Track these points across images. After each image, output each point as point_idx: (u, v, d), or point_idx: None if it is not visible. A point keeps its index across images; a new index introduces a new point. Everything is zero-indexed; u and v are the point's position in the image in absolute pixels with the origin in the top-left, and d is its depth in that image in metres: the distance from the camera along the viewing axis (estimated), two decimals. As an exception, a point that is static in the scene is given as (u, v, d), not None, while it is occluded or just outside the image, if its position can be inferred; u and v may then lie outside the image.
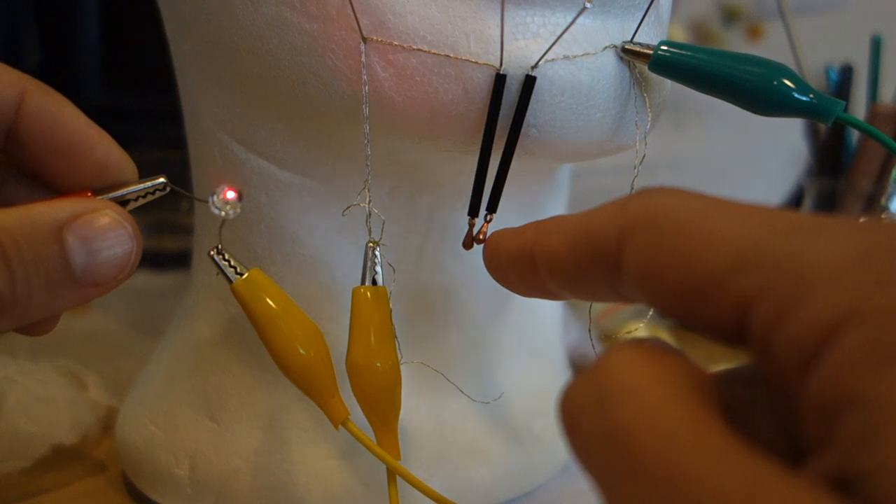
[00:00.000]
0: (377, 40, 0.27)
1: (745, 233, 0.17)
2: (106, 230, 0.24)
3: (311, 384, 0.28)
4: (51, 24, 0.69)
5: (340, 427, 0.29)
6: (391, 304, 0.29)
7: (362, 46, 0.28)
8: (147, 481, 0.35)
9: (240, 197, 0.27)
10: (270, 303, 0.28)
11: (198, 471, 0.34)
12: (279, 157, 0.32)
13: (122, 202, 0.26)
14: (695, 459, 0.15)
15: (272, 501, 0.33)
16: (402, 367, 0.29)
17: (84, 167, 0.26)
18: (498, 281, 0.24)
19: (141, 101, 0.69)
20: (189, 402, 0.35)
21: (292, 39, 0.28)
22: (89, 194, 0.26)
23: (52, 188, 0.27)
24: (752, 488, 0.14)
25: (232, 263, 0.28)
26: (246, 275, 0.28)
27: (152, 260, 0.64)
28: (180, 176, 0.37)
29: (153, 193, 0.27)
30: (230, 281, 0.28)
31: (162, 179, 0.27)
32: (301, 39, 0.28)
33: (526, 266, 0.22)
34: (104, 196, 0.26)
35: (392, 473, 0.29)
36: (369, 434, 0.29)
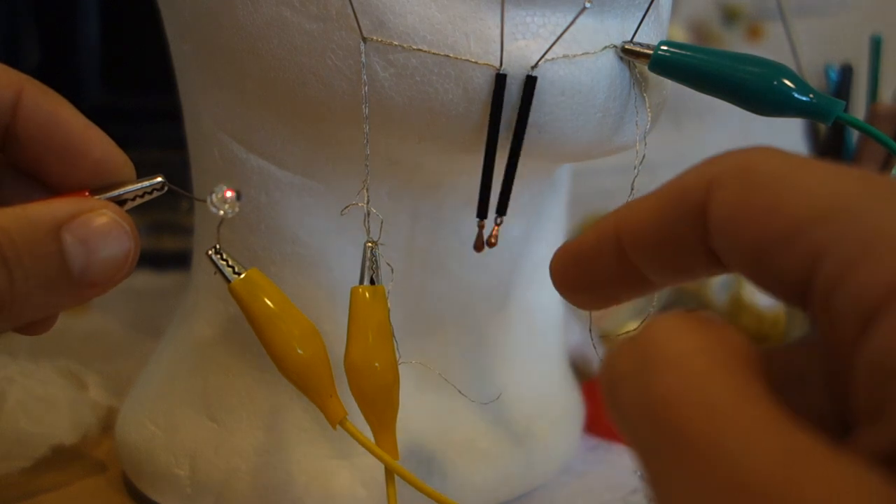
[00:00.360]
0: (377, 40, 0.27)
1: (829, 189, 0.16)
2: (104, 230, 0.24)
3: (308, 384, 0.28)
4: (51, 24, 0.69)
5: (340, 427, 0.29)
6: (390, 304, 0.29)
7: (362, 46, 0.28)
8: (147, 481, 0.35)
9: (238, 196, 0.27)
10: (268, 302, 0.28)
11: (198, 471, 0.34)
12: (279, 157, 0.32)
13: (120, 202, 0.26)
14: (736, 432, 0.14)
15: (272, 501, 0.33)
16: (401, 368, 0.29)
17: (82, 167, 0.26)
18: (570, 290, 0.22)
19: (141, 101, 0.69)
20: (189, 402, 0.35)
21: (292, 39, 0.28)
22: (87, 194, 0.26)
23: (50, 188, 0.27)
24: (794, 463, 0.14)
25: (230, 263, 0.28)
26: (244, 274, 0.28)
27: (152, 260, 0.64)
28: (180, 176, 0.37)
29: (151, 193, 0.27)
30: (228, 281, 0.28)
31: (159, 179, 0.27)
32: (301, 39, 0.28)
33: (610, 250, 0.21)
34: (102, 196, 0.26)
35: (390, 473, 0.29)
36: (367, 434, 0.29)
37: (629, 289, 0.21)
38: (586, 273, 0.22)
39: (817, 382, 0.18)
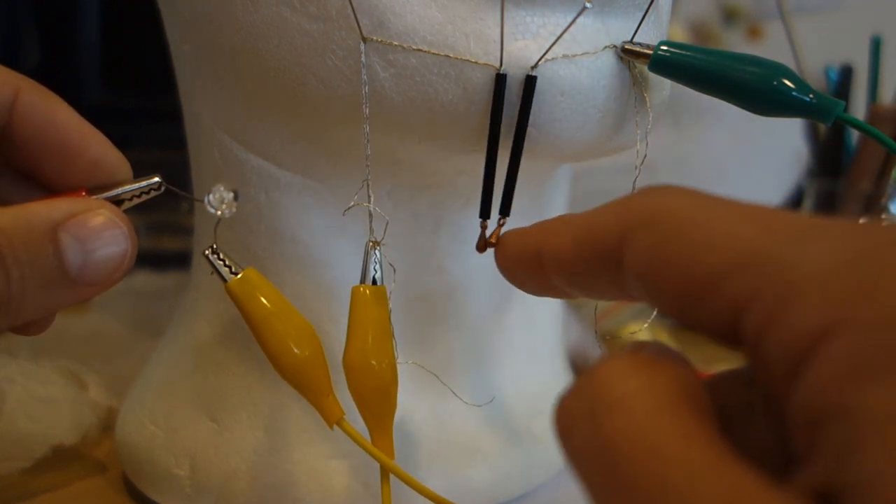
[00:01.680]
0: (377, 40, 0.27)
1: (743, 235, 0.17)
2: (101, 230, 0.24)
3: (305, 384, 0.28)
4: (51, 24, 0.69)
5: (337, 427, 0.29)
6: (391, 305, 0.29)
7: (362, 46, 0.28)
8: (147, 481, 0.35)
9: (236, 197, 0.27)
10: (265, 302, 0.28)
11: (198, 471, 0.34)
12: (279, 157, 0.32)
13: (117, 201, 0.26)
14: (680, 472, 0.15)
15: (272, 501, 0.33)
16: (400, 368, 0.29)
17: (78, 166, 0.26)
18: (510, 281, 0.25)
19: (141, 101, 0.69)
20: (189, 402, 0.35)
21: (292, 39, 0.28)
22: (84, 194, 0.26)
23: (47, 188, 0.27)
24: (737, 502, 0.14)
25: (227, 263, 0.28)
26: (240, 274, 0.28)
27: (152, 260, 0.64)
28: (180, 176, 0.37)
29: (148, 193, 0.27)
30: (224, 280, 0.28)
31: (157, 179, 0.27)
32: (301, 39, 0.28)
33: (534, 265, 0.22)
34: (99, 195, 0.26)
35: (385, 472, 0.29)
36: (365, 434, 0.29)
37: (557, 294, 0.22)
38: (520, 273, 0.23)
39: (763, 410, 0.18)
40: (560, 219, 0.21)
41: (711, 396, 0.17)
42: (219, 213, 0.27)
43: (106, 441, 0.42)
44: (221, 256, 0.28)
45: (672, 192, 0.18)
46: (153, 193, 0.27)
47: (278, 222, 0.33)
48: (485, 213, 0.29)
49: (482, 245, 0.29)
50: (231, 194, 0.27)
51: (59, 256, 0.23)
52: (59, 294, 0.24)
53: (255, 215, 0.33)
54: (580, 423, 0.17)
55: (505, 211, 0.29)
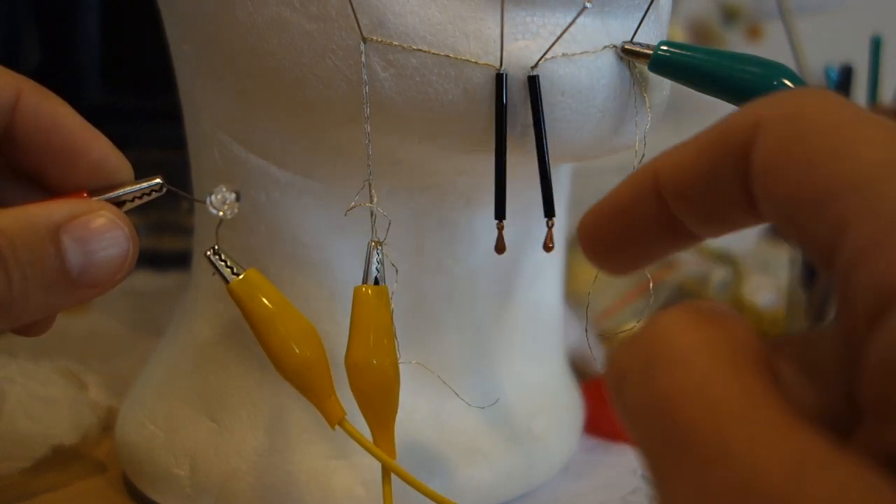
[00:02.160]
0: (377, 40, 0.27)
1: (875, 154, 0.15)
2: (102, 231, 0.24)
3: (307, 384, 0.28)
4: (51, 24, 0.69)
5: (339, 427, 0.29)
6: (392, 304, 0.29)
7: (362, 46, 0.28)
8: (147, 481, 0.35)
9: (238, 198, 0.27)
10: (267, 303, 0.28)
11: (198, 471, 0.34)
12: (279, 157, 0.32)
13: (119, 203, 0.26)
14: (740, 432, 0.14)
15: (272, 501, 0.33)
16: (401, 368, 0.29)
17: (80, 168, 0.26)
18: (602, 258, 0.21)
19: (141, 101, 0.69)
20: (189, 402, 0.35)
21: (292, 39, 0.28)
22: (85, 195, 0.26)
23: (49, 189, 0.27)
24: (800, 466, 0.13)
25: (228, 263, 0.28)
26: (242, 275, 0.28)
27: (152, 260, 0.64)
28: (180, 176, 0.37)
29: (149, 194, 0.27)
30: (226, 281, 0.28)
31: (158, 180, 0.27)
32: (301, 39, 0.28)
33: (647, 201, 0.19)
34: (100, 197, 0.26)
35: (387, 472, 0.29)
36: (366, 434, 0.29)
37: (668, 243, 0.20)
38: (621, 230, 0.20)
39: (832, 372, 0.17)
40: (670, 148, 0.19)
41: (771, 354, 0.16)
42: (221, 214, 0.27)
43: (106, 441, 0.42)
44: (223, 257, 0.28)
45: (814, 93, 0.17)
46: (155, 195, 0.27)
47: (278, 222, 0.33)
48: (500, 214, 0.29)
49: (501, 247, 0.29)
50: (233, 195, 0.27)
51: (60, 258, 0.23)
52: (61, 295, 0.24)
53: (256, 215, 0.33)
54: (635, 377, 0.16)
55: (550, 212, 0.29)
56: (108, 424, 0.42)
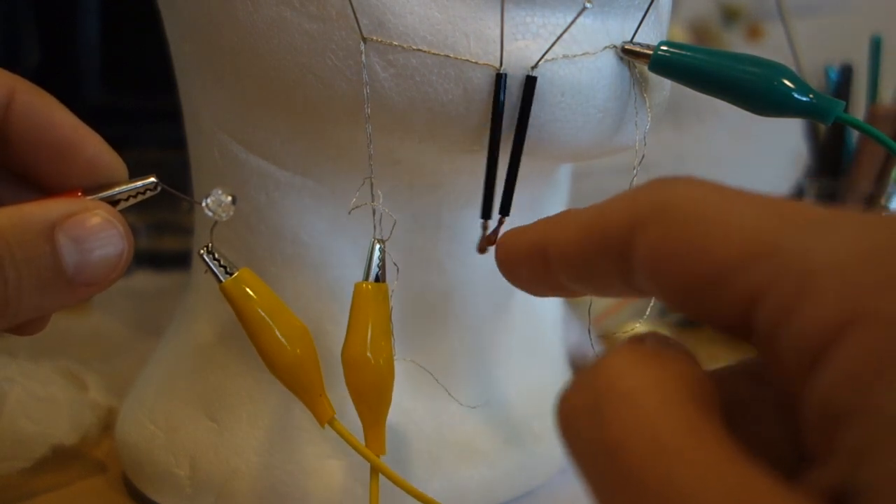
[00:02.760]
0: (377, 40, 0.27)
1: (757, 225, 0.16)
2: (97, 230, 0.24)
3: (298, 383, 0.28)
4: (51, 24, 0.69)
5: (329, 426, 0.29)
6: (391, 304, 0.29)
7: (362, 46, 0.28)
8: (147, 481, 0.35)
9: (234, 200, 0.27)
10: (259, 302, 0.28)
11: (198, 471, 0.34)
12: (279, 157, 0.32)
13: (113, 202, 0.26)
14: (688, 471, 0.14)
15: (272, 501, 0.33)
16: (402, 368, 0.29)
17: (74, 167, 0.26)
18: (511, 281, 0.24)
19: (141, 101, 0.69)
20: (189, 402, 0.35)
21: (292, 39, 0.28)
22: (80, 194, 0.26)
23: (43, 188, 0.27)
24: (745, 502, 0.14)
25: (222, 263, 0.28)
26: (235, 274, 0.28)
27: (152, 260, 0.64)
28: (180, 176, 0.37)
29: (144, 193, 0.27)
30: (219, 280, 0.28)
31: (153, 179, 0.26)
32: (301, 39, 0.28)
33: (538, 261, 0.21)
34: (95, 196, 0.26)
35: (375, 471, 0.29)
36: (359, 431, 0.30)
37: (561, 292, 0.22)
38: (523, 271, 0.22)
39: (773, 404, 0.17)
40: (565, 213, 0.21)
41: (717, 390, 0.17)
42: (216, 216, 0.27)
43: (106, 441, 0.42)
44: (217, 256, 0.28)
45: (682, 183, 0.18)
46: (149, 194, 0.27)
47: (278, 222, 0.33)
48: (486, 214, 0.29)
49: (483, 245, 0.29)
50: (229, 198, 0.27)
51: (55, 257, 0.23)
52: (56, 294, 0.24)
53: (256, 215, 0.33)
54: (584, 418, 0.16)
55: (505, 210, 0.29)
56: (108, 424, 0.42)
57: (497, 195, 0.29)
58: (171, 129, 0.40)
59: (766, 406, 0.18)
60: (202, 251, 0.28)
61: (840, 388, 0.14)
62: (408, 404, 0.35)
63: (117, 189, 0.26)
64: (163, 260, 0.64)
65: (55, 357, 0.44)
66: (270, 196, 0.33)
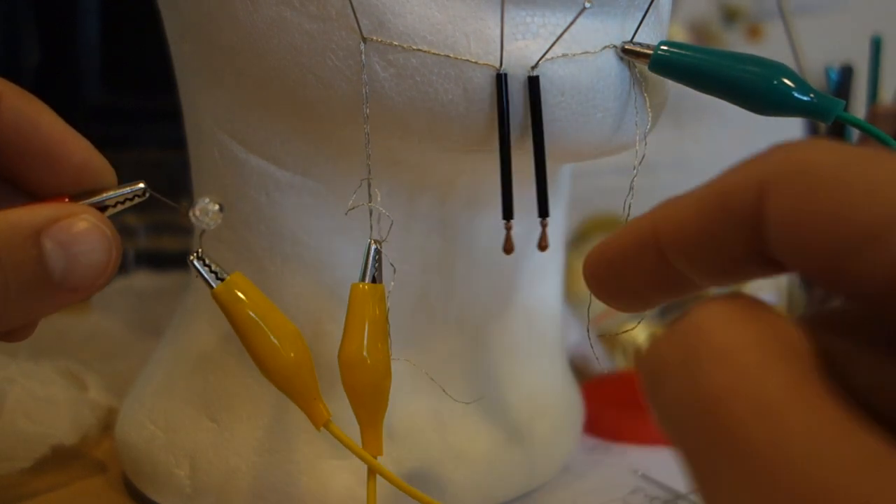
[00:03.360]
0: (377, 40, 0.27)
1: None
2: (84, 235, 0.24)
3: (293, 387, 0.28)
4: (51, 24, 0.69)
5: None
6: (391, 303, 0.29)
7: (362, 46, 0.28)
8: (147, 481, 0.35)
9: (221, 209, 0.27)
10: (252, 306, 0.28)
11: (198, 471, 0.34)
12: (279, 157, 0.32)
13: (101, 207, 0.26)
14: (799, 436, 0.13)
15: (272, 501, 0.33)
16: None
17: (62, 172, 0.26)
18: (607, 295, 0.21)
19: (141, 101, 0.69)
20: (189, 402, 0.35)
21: (292, 39, 0.28)
22: (66, 200, 0.26)
23: (30, 194, 0.26)
24: (867, 471, 0.13)
25: (213, 268, 0.28)
26: (227, 279, 0.28)
27: (152, 260, 0.64)
28: (180, 176, 0.37)
29: (132, 199, 0.26)
30: (211, 286, 0.28)
31: (141, 185, 0.26)
32: (301, 39, 0.28)
33: (650, 255, 0.19)
34: (82, 201, 0.26)
35: (372, 472, 0.29)
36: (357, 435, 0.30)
37: (671, 292, 0.20)
38: (624, 277, 0.20)
39: (875, 363, 0.16)
40: (672, 198, 0.19)
41: (817, 350, 0.16)
42: (204, 225, 0.27)
43: (106, 441, 0.42)
44: (207, 262, 0.28)
45: (812, 144, 0.16)
46: (138, 200, 0.26)
47: (278, 222, 0.33)
48: (507, 214, 0.29)
49: (509, 247, 0.29)
50: (216, 206, 0.27)
51: (41, 262, 0.23)
52: (43, 300, 0.24)
53: (256, 215, 0.33)
54: (676, 374, 0.15)
55: (544, 212, 0.29)
56: (108, 424, 0.42)
57: (497, 196, 0.29)
58: (171, 129, 0.40)
59: (863, 359, 0.16)
60: (192, 257, 0.28)
61: None
62: (408, 404, 0.35)
63: (105, 195, 0.26)
64: (163, 260, 0.64)
65: (55, 357, 0.44)
66: (270, 196, 0.33)
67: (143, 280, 0.62)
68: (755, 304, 0.16)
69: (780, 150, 0.17)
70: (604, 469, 0.41)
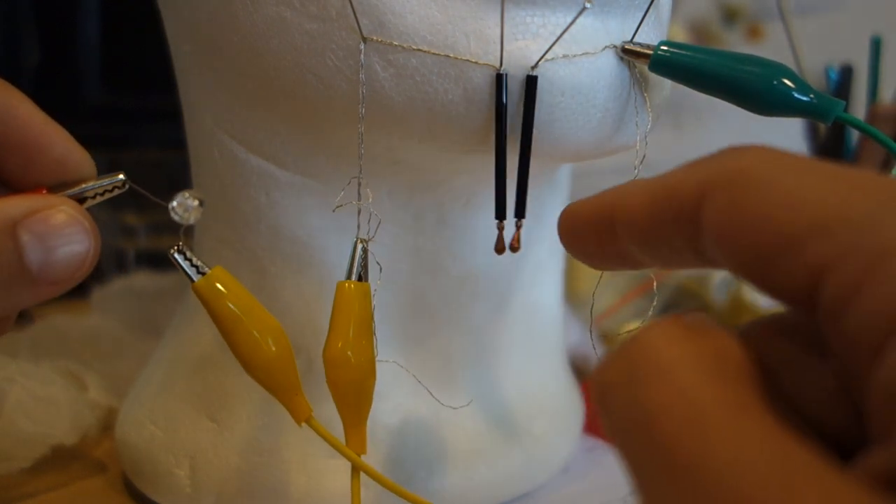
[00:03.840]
0: (377, 40, 0.27)
1: (830, 196, 0.15)
2: (62, 227, 0.23)
3: (274, 382, 0.28)
4: (51, 24, 0.69)
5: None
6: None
7: (362, 46, 0.28)
8: (147, 481, 0.35)
9: (201, 203, 0.27)
10: (233, 301, 0.28)
11: (198, 471, 0.34)
12: (279, 157, 0.32)
13: (80, 199, 0.25)
14: (726, 446, 0.14)
15: (272, 501, 0.33)
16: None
17: (41, 165, 0.25)
18: (573, 253, 0.23)
19: (141, 101, 0.69)
20: (189, 402, 0.35)
21: (292, 39, 0.28)
22: (44, 192, 0.25)
23: (8, 186, 0.26)
24: (789, 480, 0.13)
25: (194, 262, 0.28)
26: (207, 273, 0.28)
27: (152, 260, 0.64)
28: (180, 176, 0.37)
29: (111, 191, 0.26)
30: (192, 280, 0.28)
31: (121, 177, 0.26)
32: (301, 39, 0.28)
33: (605, 229, 0.20)
34: (61, 193, 0.25)
35: (356, 470, 0.29)
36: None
37: (625, 264, 0.21)
38: (588, 244, 0.21)
39: (814, 367, 0.17)
40: (633, 182, 0.20)
41: (752, 353, 0.16)
42: (182, 220, 0.27)
43: (106, 441, 0.42)
44: (188, 256, 0.28)
45: (753, 151, 0.17)
46: (117, 191, 0.26)
47: (278, 222, 0.33)
48: (500, 214, 0.29)
49: (500, 247, 0.29)
50: (196, 202, 0.27)
51: (18, 254, 0.23)
52: (20, 293, 0.23)
53: (255, 215, 0.33)
54: (620, 392, 0.16)
55: (520, 213, 0.29)
56: (108, 424, 0.42)
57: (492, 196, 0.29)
58: (171, 129, 0.40)
59: (806, 369, 0.17)
60: (173, 251, 0.28)
61: None
62: (408, 404, 0.35)
63: (84, 186, 0.26)
64: (163, 260, 0.63)
65: (55, 357, 0.44)
66: (270, 196, 0.33)
67: (143, 280, 0.62)
68: (699, 323, 0.17)
69: (724, 155, 0.18)
70: (604, 469, 0.41)
